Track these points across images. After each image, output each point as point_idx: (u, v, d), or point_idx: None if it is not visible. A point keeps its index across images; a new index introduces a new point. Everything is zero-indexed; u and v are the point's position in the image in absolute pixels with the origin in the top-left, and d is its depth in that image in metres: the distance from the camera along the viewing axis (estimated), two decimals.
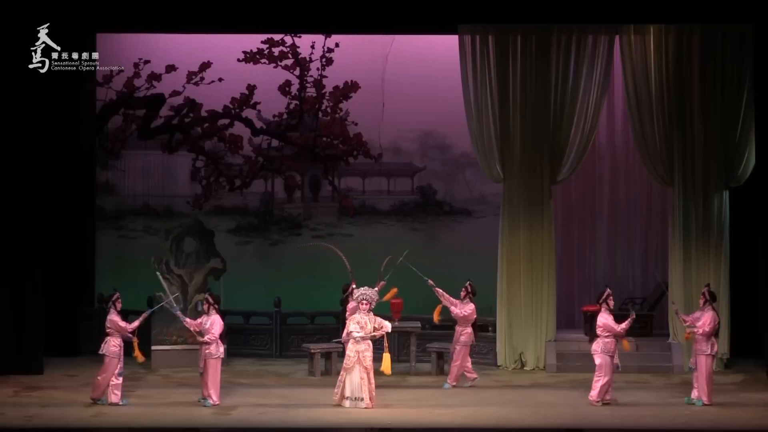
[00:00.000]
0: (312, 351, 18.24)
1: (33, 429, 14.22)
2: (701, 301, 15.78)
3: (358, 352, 15.37)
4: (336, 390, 15.46)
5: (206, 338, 15.36)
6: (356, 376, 15.28)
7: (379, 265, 16.87)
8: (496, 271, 19.18)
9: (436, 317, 17.45)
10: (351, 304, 17.04)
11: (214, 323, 15.40)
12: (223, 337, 15.61)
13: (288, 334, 20.16)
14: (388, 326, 15.58)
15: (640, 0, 18.42)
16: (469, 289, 17.14)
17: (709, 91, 18.75)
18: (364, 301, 15.53)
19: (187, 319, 15.74)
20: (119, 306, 15.65)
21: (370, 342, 15.44)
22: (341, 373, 15.54)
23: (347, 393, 15.34)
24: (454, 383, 17.12)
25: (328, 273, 20.75)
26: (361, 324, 15.45)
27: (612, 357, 15.60)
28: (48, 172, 18.49)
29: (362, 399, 15.27)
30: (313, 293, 20.89)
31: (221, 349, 15.44)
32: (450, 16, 18.70)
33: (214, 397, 15.38)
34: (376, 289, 16.05)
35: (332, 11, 18.66)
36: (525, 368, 18.87)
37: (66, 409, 15.24)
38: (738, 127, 18.76)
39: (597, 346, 15.70)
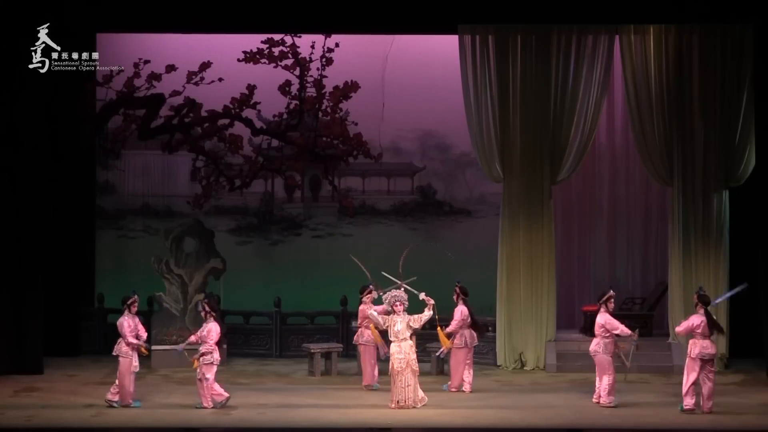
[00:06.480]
0: (312, 351, 18.24)
1: (33, 429, 14.23)
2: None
3: (392, 354, 15.36)
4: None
5: (204, 348, 15.32)
6: (397, 381, 15.21)
7: (373, 266, 16.95)
8: (496, 271, 19.18)
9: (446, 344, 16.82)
10: (362, 307, 17.01)
11: (210, 331, 15.37)
12: (222, 340, 15.60)
13: (288, 334, 20.16)
14: (422, 319, 15.33)
15: (640, 0, 18.43)
16: (457, 291, 16.96)
17: (709, 91, 18.75)
18: (397, 303, 15.38)
19: (191, 338, 15.66)
20: (134, 309, 15.64)
21: (401, 344, 15.23)
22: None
23: (393, 397, 15.28)
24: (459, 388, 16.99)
25: (328, 273, 20.81)
26: (389, 324, 15.37)
27: (612, 357, 15.57)
28: (48, 172, 18.49)
29: (414, 400, 15.19)
30: (313, 293, 20.90)
31: (216, 355, 15.38)
32: (450, 16, 18.71)
33: (205, 403, 15.26)
34: (406, 285, 16.00)
35: (332, 11, 18.67)
36: (525, 368, 18.86)
37: (66, 409, 15.24)
38: (738, 127, 18.76)
39: (597, 347, 15.65)
